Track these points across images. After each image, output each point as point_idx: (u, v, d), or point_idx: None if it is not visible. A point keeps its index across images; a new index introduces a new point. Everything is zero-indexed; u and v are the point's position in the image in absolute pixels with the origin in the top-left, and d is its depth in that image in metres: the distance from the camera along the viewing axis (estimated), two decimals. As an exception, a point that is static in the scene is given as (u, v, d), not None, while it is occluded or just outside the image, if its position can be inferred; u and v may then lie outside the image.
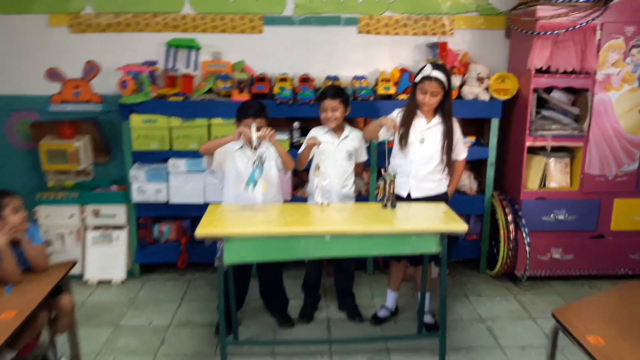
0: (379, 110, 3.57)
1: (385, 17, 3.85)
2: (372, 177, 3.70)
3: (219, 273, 2.48)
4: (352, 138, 3.14)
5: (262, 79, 3.60)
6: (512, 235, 3.54)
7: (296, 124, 3.72)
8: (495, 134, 3.65)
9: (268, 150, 2.98)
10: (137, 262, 3.82)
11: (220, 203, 2.99)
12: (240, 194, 2.84)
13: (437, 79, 2.79)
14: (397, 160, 2.96)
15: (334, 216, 2.63)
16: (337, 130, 3.11)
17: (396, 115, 2.94)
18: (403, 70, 3.70)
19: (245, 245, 2.45)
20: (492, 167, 3.70)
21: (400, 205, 2.76)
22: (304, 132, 3.43)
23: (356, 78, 3.68)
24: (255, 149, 2.82)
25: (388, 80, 3.61)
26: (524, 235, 3.53)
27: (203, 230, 2.42)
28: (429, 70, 2.81)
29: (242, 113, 2.88)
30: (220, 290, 2.51)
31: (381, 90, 3.59)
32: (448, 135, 2.90)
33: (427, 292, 3.03)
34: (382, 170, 2.87)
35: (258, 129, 2.83)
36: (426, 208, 2.78)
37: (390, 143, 3.05)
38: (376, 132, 2.90)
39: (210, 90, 3.63)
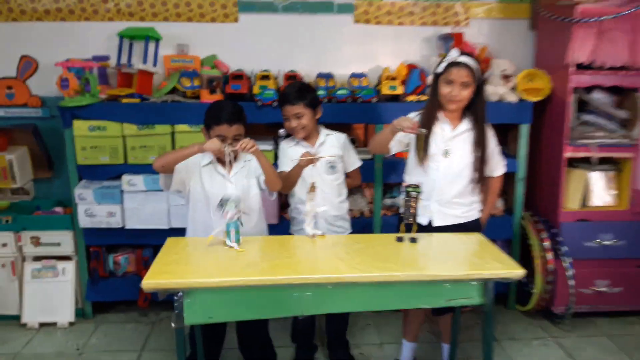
0: (384, 115, 2.90)
1: (387, 4, 3.20)
2: (377, 194, 3.02)
3: (177, 338, 1.77)
4: (331, 144, 2.48)
5: (238, 76, 2.91)
6: (551, 266, 2.88)
7: (282, 131, 3.01)
8: (526, 143, 3.01)
9: (247, 164, 2.29)
10: (89, 300, 3.08)
11: (186, 232, 2.30)
12: (210, 223, 2.14)
13: (466, 66, 2.15)
14: (413, 178, 2.29)
15: (336, 255, 1.93)
16: (309, 138, 2.46)
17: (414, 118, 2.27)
18: (411, 67, 3.04)
19: (215, 300, 1.74)
20: (522, 183, 3.05)
21: (421, 237, 2.08)
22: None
23: (354, 76, 3.01)
24: (230, 163, 2.13)
25: (394, 79, 2.95)
26: (566, 264, 2.87)
27: (154, 280, 1.71)
28: (455, 55, 2.17)
29: (213, 117, 2.20)
30: (180, 355, 1.80)
31: (386, 90, 2.93)
32: (481, 145, 2.24)
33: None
34: (403, 184, 2.20)
35: (234, 139, 2.15)
36: (458, 241, 2.11)
37: (401, 154, 2.39)
38: (387, 142, 2.22)
39: (173, 91, 2.94)
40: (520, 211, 3.09)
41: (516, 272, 1.80)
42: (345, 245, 2.03)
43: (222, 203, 1.95)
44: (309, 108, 2.39)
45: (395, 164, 2.97)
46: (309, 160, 2.22)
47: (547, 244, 2.93)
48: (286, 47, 3.19)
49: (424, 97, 2.92)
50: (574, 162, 2.98)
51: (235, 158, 2.24)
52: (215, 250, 1.95)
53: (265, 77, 2.95)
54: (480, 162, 2.25)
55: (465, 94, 2.18)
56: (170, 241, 2.06)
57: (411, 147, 2.31)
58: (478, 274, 1.79)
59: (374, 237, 2.25)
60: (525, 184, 3.07)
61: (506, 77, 2.99)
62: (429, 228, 2.25)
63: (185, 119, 2.83)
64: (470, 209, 2.30)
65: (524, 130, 2.99)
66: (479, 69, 2.19)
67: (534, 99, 2.98)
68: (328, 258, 1.90)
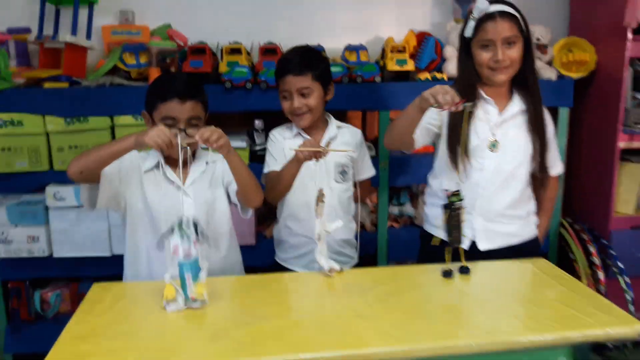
0: (391, 98, 2.25)
1: (389, -44, 2.54)
2: (382, 200, 2.37)
3: None
4: (344, 140, 1.84)
5: (200, 50, 2.21)
6: (603, 287, 2.27)
7: (258, 123, 2.35)
8: (565, 132, 2.39)
9: (211, 167, 1.62)
10: (8, 353, 2.34)
11: (124, 270, 1.61)
12: (158, 257, 1.47)
13: (506, 15, 1.55)
14: (444, 183, 1.63)
15: (353, 308, 1.26)
16: (314, 130, 1.79)
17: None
18: (423, 35, 2.38)
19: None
20: (559, 182, 2.42)
21: (472, 267, 1.43)
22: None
23: (351, 49, 2.34)
24: (186, 164, 1.46)
25: (402, 50, 2.29)
26: (623, 285, 2.27)
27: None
28: (485, 5, 1.56)
29: (157, 93, 1.51)
30: None
31: (392, 66, 2.26)
32: (540, 131, 1.61)
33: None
34: (443, 190, 1.53)
35: (190, 124, 1.47)
36: (521, 272, 1.48)
37: (424, 148, 1.75)
38: (411, 129, 1.55)
39: (114, 71, 2.22)
40: (559, 217, 2.47)
41: (633, 327, 1.16)
42: (364, 289, 1.36)
43: (171, 229, 1.26)
44: (318, 83, 1.73)
45: (403, 162, 2.33)
46: (313, 152, 1.51)
47: (595, 259, 2.32)
48: (261, 13, 2.50)
49: (440, 75, 2.28)
50: (628, 155, 2.38)
51: (194, 156, 1.55)
52: (162, 310, 1.26)
53: (235, 50, 2.26)
54: (541, 155, 1.62)
55: (514, 54, 1.55)
56: (95, 290, 1.36)
57: (442, 138, 1.66)
58: (578, 335, 1.14)
59: (405, 271, 1.56)
60: (564, 183, 2.45)
61: (541, 48, 2.37)
62: (472, 253, 1.60)
63: (128, 107, 2.12)
64: (526, 224, 1.67)
65: (564, 115, 2.37)
66: (522, 17, 1.58)
67: (577, 75, 2.36)
68: (342, 315, 1.23)
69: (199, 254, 1.27)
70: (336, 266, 1.45)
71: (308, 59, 1.73)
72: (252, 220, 2.27)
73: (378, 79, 2.24)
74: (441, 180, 1.67)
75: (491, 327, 1.16)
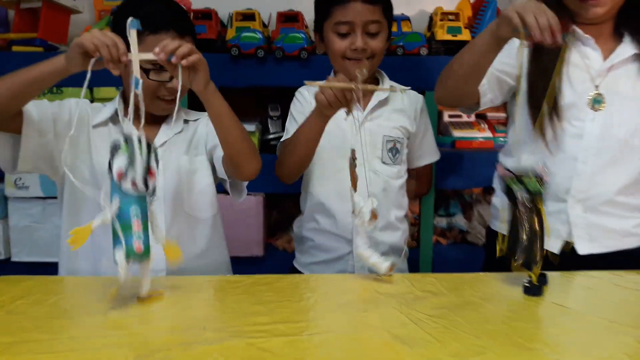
0: (437, 74, 1.77)
1: None
2: (427, 209, 1.85)
3: None
4: (399, 107, 1.36)
5: (205, 14, 1.81)
6: None
7: (274, 109, 1.90)
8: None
9: (191, 126, 1.17)
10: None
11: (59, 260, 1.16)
12: (105, 244, 0.99)
13: None
14: (524, 159, 1.12)
15: (394, 334, 0.75)
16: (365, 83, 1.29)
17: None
18: (481, 2, 1.91)
19: None
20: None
21: (556, 279, 0.92)
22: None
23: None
24: (152, 118, 1.02)
25: (454, 18, 1.83)
26: None
27: None
28: None
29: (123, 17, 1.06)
30: None
31: (443, 35, 1.80)
32: None
33: None
34: (500, 171, 0.95)
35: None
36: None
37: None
38: (479, 70, 1.07)
39: (100, 36, 1.83)
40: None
41: None
42: (410, 299, 0.86)
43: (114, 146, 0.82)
44: (386, 22, 1.31)
45: (453, 159, 1.83)
46: (342, 94, 1.03)
47: None
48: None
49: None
50: None
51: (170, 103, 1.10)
52: (108, 311, 0.79)
53: (248, 17, 1.84)
54: None
55: None
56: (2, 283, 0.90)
57: (520, 95, 1.16)
58: None
59: (473, 280, 0.99)
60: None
61: None
62: (567, 259, 1.07)
63: (111, 78, 1.70)
64: (646, 219, 1.13)
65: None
66: None
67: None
68: (375, 337, 0.73)
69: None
70: (385, 265, 0.96)
71: None
72: (260, 227, 1.80)
73: (424, 51, 1.78)
74: (519, 157, 1.16)
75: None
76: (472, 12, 1.91)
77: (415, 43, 1.78)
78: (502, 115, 2.01)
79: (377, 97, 1.33)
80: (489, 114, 2.03)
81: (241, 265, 1.43)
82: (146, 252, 0.82)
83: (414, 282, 0.95)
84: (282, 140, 1.32)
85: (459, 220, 1.96)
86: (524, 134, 1.15)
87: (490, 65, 1.03)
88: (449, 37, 1.79)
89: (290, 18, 1.86)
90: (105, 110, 1.13)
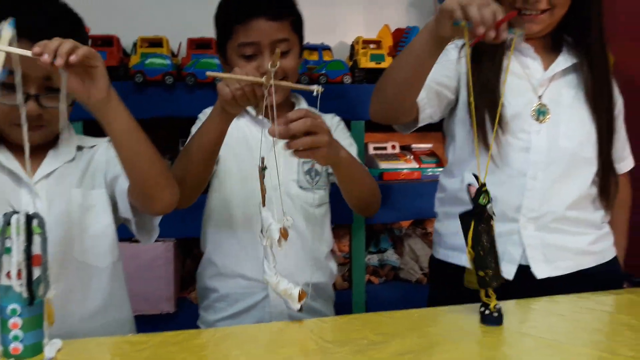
0: (366, 103, 1.67)
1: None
2: (357, 244, 1.72)
3: None
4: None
5: (105, 40, 1.62)
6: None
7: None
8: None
9: (85, 154, 0.96)
10: None
11: None
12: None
13: None
14: (468, 178, 1.03)
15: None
16: (279, 108, 1.14)
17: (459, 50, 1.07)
18: (401, 31, 1.87)
19: None
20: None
21: (522, 310, 0.84)
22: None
23: (311, 47, 1.81)
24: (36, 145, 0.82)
25: (376, 46, 1.77)
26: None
27: None
28: None
29: None
30: None
31: (366, 63, 1.73)
32: (605, 97, 1.06)
33: None
34: (467, 186, 0.82)
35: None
36: (611, 307, 0.84)
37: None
38: (418, 76, 0.95)
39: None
40: None
41: None
42: (371, 355, 0.69)
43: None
44: (296, 37, 1.18)
45: (381, 192, 1.72)
46: (251, 88, 0.87)
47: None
48: (195, 7, 1.95)
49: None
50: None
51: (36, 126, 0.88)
52: None
53: (156, 43, 1.67)
54: (608, 133, 1.05)
55: None
56: None
57: (459, 109, 1.07)
58: None
59: (421, 317, 0.83)
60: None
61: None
62: (522, 285, 0.97)
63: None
64: (600, 235, 1.07)
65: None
66: None
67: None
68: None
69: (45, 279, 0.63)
70: (295, 289, 0.79)
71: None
72: (170, 278, 1.58)
73: (348, 79, 1.70)
74: (462, 176, 1.06)
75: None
76: (392, 41, 1.87)
77: (338, 71, 1.70)
78: (428, 146, 1.97)
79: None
80: (414, 145, 1.97)
81: (148, 324, 1.19)
82: (29, 354, 0.66)
83: (366, 323, 0.79)
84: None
85: (391, 256, 1.84)
86: (465, 152, 1.06)
87: (430, 70, 0.93)
88: (372, 64, 1.72)
89: (203, 44, 1.71)
90: None
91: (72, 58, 0.72)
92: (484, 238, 0.78)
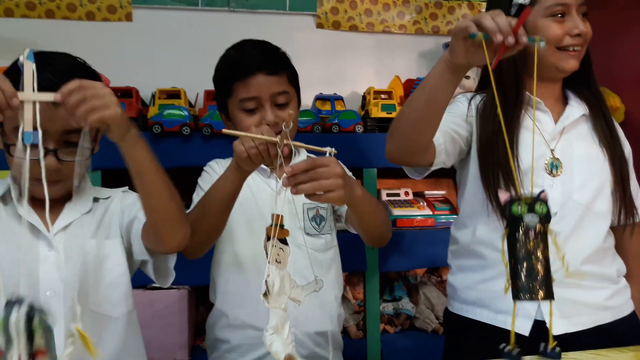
0: (378, 151, 1.71)
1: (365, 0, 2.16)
2: (371, 292, 1.71)
3: None
4: None
5: (124, 92, 1.68)
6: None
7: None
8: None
9: (102, 205, 0.98)
10: None
11: None
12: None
13: None
14: (480, 230, 1.03)
15: None
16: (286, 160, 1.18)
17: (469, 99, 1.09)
18: (412, 81, 1.91)
19: None
20: None
21: None
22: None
23: (323, 98, 1.86)
24: (56, 198, 0.86)
25: (387, 97, 1.81)
26: None
27: None
28: None
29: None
30: None
31: (377, 112, 1.76)
32: (615, 144, 1.07)
33: None
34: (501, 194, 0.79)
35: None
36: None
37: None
38: (434, 111, 0.95)
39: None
40: None
41: None
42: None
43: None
44: (294, 89, 1.22)
45: (394, 239, 1.71)
46: (265, 146, 0.92)
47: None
48: (210, 60, 2.02)
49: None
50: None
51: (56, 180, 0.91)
52: None
53: (174, 95, 1.73)
54: (623, 181, 1.06)
55: (589, 31, 1.04)
56: None
57: (471, 160, 1.08)
58: None
59: None
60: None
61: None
62: (538, 339, 0.95)
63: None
64: (617, 290, 1.05)
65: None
66: None
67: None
68: None
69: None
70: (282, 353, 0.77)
71: (277, 54, 1.22)
72: (184, 326, 1.57)
73: (360, 128, 1.73)
74: (474, 228, 1.06)
75: None
76: (403, 92, 1.90)
77: (350, 121, 1.73)
78: (441, 192, 1.97)
79: (294, 161, 1.21)
80: (427, 192, 1.98)
81: (163, 372, 1.20)
82: None
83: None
84: (188, 211, 1.15)
85: (406, 304, 1.82)
86: (477, 205, 1.07)
87: (446, 104, 0.94)
88: (383, 114, 1.75)
89: (218, 96, 1.76)
90: None
91: (87, 118, 0.75)
92: (518, 248, 0.76)
